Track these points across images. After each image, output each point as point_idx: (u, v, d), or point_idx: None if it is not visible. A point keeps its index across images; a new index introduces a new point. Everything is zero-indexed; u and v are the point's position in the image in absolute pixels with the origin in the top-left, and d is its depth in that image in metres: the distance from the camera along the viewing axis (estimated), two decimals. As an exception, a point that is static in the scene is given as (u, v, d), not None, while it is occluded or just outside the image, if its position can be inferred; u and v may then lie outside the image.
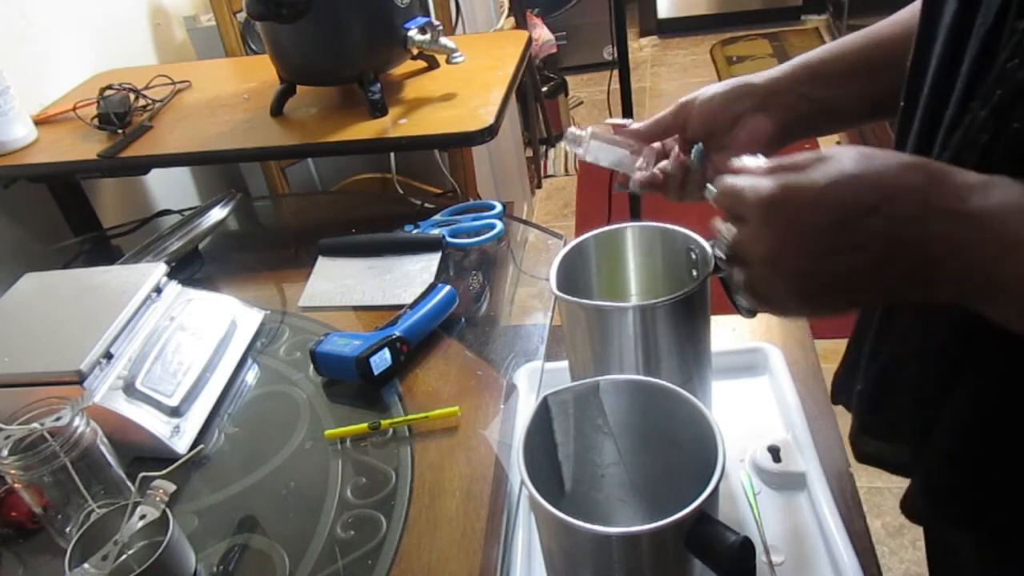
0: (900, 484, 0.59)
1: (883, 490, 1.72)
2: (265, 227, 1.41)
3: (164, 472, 0.75)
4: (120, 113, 1.25)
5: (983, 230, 0.39)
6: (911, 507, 0.57)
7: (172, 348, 0.88)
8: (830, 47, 0.68)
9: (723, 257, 0.49)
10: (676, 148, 0.72)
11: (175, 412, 0.84)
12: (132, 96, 1.31)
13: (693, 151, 0.69)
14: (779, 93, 0.67)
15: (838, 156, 0.43)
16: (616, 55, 1.96)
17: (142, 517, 0.66)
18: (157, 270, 0.94)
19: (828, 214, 0.42)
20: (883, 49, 0.64)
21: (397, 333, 0.89)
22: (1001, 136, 0.42)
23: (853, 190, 0.41)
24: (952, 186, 0.40)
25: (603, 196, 2.32)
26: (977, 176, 0.40)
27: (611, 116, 2.29)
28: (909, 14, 0.63)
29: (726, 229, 0.48)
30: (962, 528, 0.56)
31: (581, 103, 3.75)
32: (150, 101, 1.33)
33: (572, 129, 0.73)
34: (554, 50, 3.34)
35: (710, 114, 0.68)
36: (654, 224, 0.84)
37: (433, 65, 1.31)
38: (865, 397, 0.62)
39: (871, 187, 0.41)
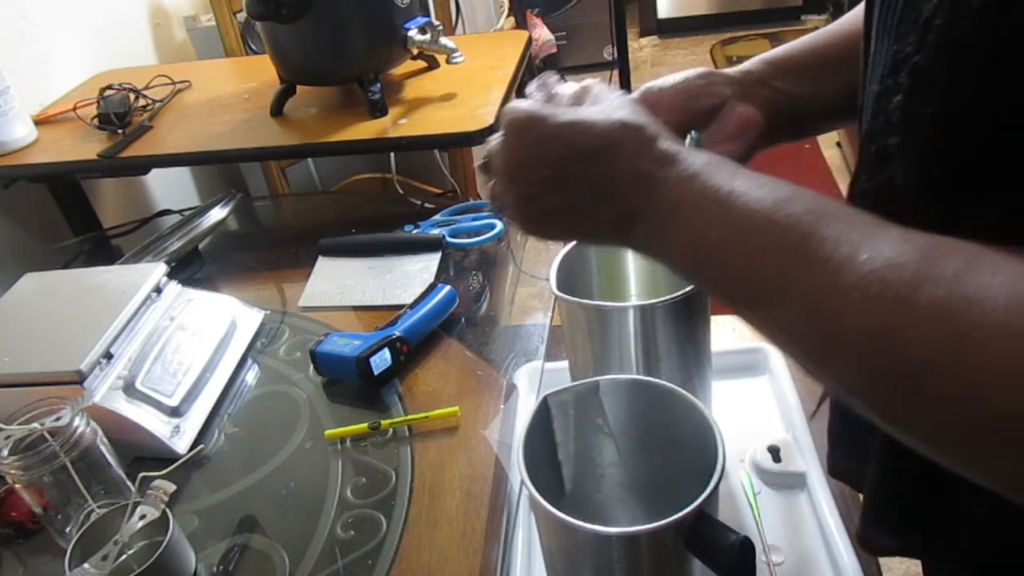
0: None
1: (883, 490, 1.71)
2: (265, 227, 1.41)
3: (164, 472, 0.75)
4: (120, 113, 1.25)
5: (668, 195, 0.43)
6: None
7: (172, 348, 0.88)
8: (799, 43, 0.65)
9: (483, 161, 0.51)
10: None
11: (175, 412, 0.84)
12: (132, 96, 1.31)
13: (689, 140, 0.65)
14: (755, 84, 0.63)
15: (603, 99, 0.47)
16: (616, 55, 1.96)
17: (142, 517, 0.66)
18: (157, 270, 0.94)
19: (554, 151, 0.44)
20: (853, 43, 0.62)
21: (397, 333, 0.89)
22: (916, 121, 0.42)
23: (582, 135, 0.44)
24: (657, 152, 0.43)
25: (603, 196, 2.32)
26: (675, 147, 0.44)
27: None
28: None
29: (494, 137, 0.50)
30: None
31: (581, 103, 3.75)
32: (150, 101, 1.33)
33: None
34: (554, 50, 3.34)
35: (686, 101, 0.62)
36: (654, 224, 0.83)
37: (433, 65, 1.31)
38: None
39: (595, 135, 0.44)
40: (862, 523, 0.56)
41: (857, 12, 0.63)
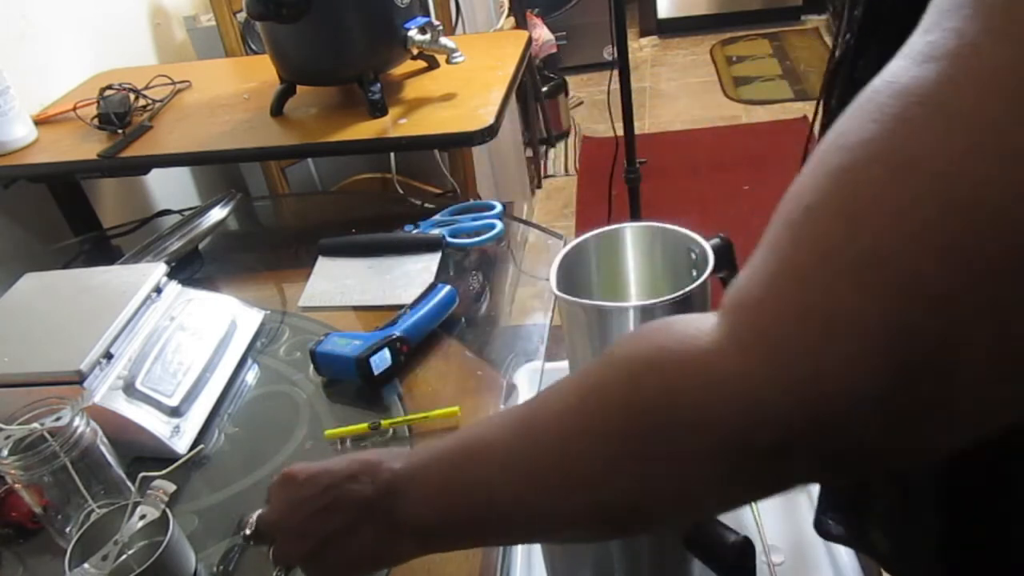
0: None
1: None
2: (265, 227, 1.41)
3: (164, 472, 0.75)
4: (120, 113, 1.25)
5: (409, 501, 0.47)
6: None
7: (172, 348, 0.88)
8: None
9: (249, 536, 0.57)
10: None
11: (175, 412, 0.84)
12: (132, 96, 1.31)
13: None
14: None
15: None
16: (616, 55, 1.95)
17: (142, 517, 0.66)
18: (157, 270, 0.94)
19: (318, 480, 0.51)
20: None
21: (397, 333, 0.89)
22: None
23: (338, 463, 0.51)
24: (387, 465, 0.49)
25: (603, 196, 2.32)
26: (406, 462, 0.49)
27: (611, 116, 2.28)
28: None
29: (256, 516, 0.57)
30: None
31: (581, 103, 3.75)
32: (150, 101, 1.33)
33: None
34: (554, 50, 3.34)
35: None
36: (654, 224, 0.84)
37: (433, 65, 1.31)
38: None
39: (350, 461, 0.51)
40: (816, 509, 0.58)
41: None
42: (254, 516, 0.56)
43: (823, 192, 0.30)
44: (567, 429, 0.39)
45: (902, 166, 0.27)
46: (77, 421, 0.70)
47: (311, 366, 0.90)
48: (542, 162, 3.25)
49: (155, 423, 0.82)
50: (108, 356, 0.83)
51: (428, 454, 0.47)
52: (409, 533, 0.47)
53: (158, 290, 0.93)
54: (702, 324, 0.34)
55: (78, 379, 0.79)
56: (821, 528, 0.57)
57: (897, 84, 0.28)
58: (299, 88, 1.25)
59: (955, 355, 0.27)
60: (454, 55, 1.17)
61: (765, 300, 0.31)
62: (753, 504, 0.73)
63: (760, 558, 0.67)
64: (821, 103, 0.50)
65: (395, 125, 1.16)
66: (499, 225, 1.08)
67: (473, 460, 0.44)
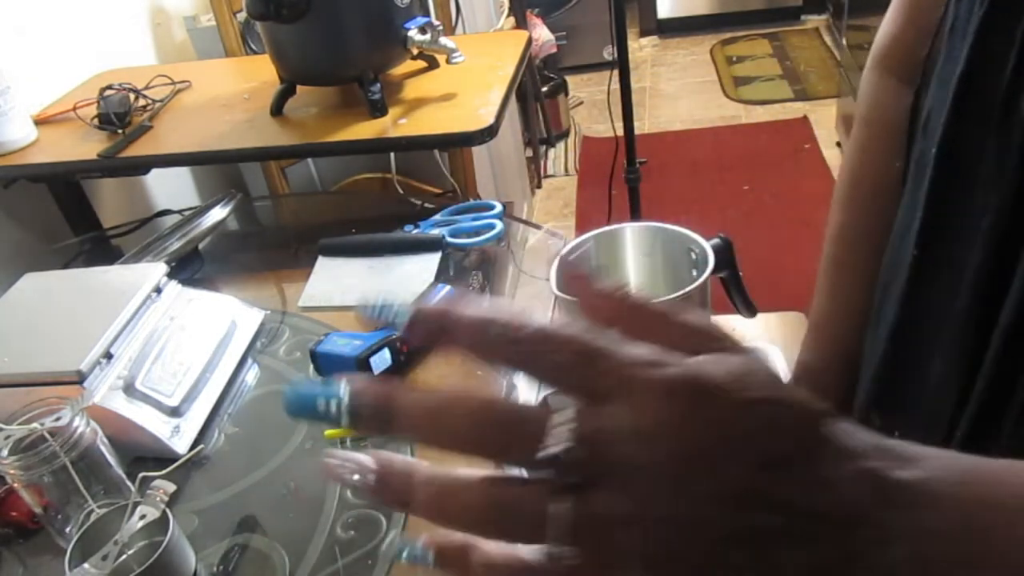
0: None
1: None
2: (265, 227, 1.41)
3: (164, 472, 0.75)
4: (120, 113, 1.25)
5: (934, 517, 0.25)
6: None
7: (172, 348, 0.88)
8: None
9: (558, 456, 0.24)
10: None
11: (175, 412, 0.84)
12: (132, 96, 1.31)
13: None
14: None
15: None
16: (616, 55, 1.96)
17: (142, 517, 0.66)
18: (157, 270, 0.94)
19: (777, 437, 0.24)
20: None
21: (397, 333, 0.89)
22: None
23: (819, 415, 0.25)
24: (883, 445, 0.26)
25: (603, 196, 2.32)
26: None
27: (611, 116, 2.28)
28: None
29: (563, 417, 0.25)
30: None
31: (581, 103, 3.75)
32: (150, 101, 1.33)
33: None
34: (554, 50, 3.34)
35: None
36: (654, 224, 0.84)
37: (433, 65, 1.31)
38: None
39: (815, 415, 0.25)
40: None
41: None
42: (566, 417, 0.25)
43: None
44: None
45: None
46: (77, 421, 0.70)
47: (311, 366, 0.90)
48: (542, 162, 3.26)
49: (155, 423, 0.82)
50: (108, 356, 0.83)
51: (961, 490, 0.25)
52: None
53: (158, 290, 0.93)
54: None
55: (78, 379, 0.79)
56: None
57: None
58: (299, 88, 1.25)
59: None
60: (454, 55, 1.17)
61: None
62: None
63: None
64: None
65: (395, 125, 1.16)
66: (499, 225, 1.08)
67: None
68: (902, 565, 0.24)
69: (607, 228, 0.84)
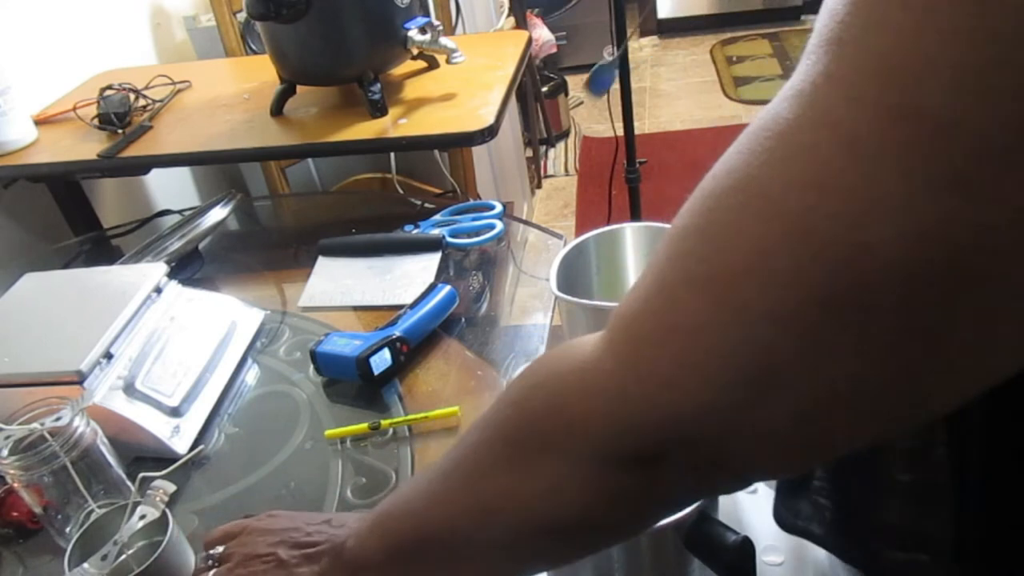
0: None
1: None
2: (265, 227, 1.41)
3: (164, 472, 0.75)
4: (120, 113, 1.25)
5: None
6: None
7: (172, 348, 0.88)
8: None
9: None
10: None
11: (175, 412, 0.84)
12: (132, 96, 1.31)
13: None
14: None
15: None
16: (616, 55, 1.96)
17: (142, 517, 0.66)
18: (157, 270, 0.94)
19: (295, 518, 0.60)
20: None
21: (397, 333, 0.89)
22: None
23: (305, 515, 0.61)
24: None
25: (603, 196, 2.32)
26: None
27: (611, 116, 2.28)
28: None
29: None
30: None
31: (581, 103, 3.75)
32: (150, 101, 1.33)
33: None
34: (554, 50, 3.34)
35: None
36: (654, 224, 0.84)
37: (433, 65, 1.31)
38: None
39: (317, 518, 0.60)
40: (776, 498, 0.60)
41: None
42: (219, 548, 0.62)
43: (693, 214, 0.32)
44: (472, 446, 0.43)
45: (753, 195, 0.29)
46: (77, 421, 0.70)
47: (311, 366, 0.90)
48: (542, 162, 3.26)
49: (155, 423, 0.82)
50: (108, 356, 0.83)
51: (388, 498, 0.52)
52: (355, 570, 0.51)
53: (158, 290, 0.93)
54: (588, 339, 0.36)
55: (78, 379, 0.79)
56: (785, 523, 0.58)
57: (763, 119, 0.30)
58: (299, 88, 1.25)
59: (800, 372, 0.29)
60: (454, 55, 1.17)
61: (639, 315, 0.33)
62: (753, 505, 0.73)
63: (760, 558, 0.67)
64: None
65: (395, 125, 1.16)
66: (499, 225, 1.08)
67: (411, 491, 0.48)
68: None
69: (607, 228, 0.84)
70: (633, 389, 0.33)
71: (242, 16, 1.72)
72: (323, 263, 1.10)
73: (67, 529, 0.72)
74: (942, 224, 0.25)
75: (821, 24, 0.29)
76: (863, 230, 0.26)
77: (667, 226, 0.81)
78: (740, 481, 0.36)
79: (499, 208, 1.13)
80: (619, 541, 0.50)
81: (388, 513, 0.50)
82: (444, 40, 1.17)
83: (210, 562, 0.60)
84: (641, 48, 4.23)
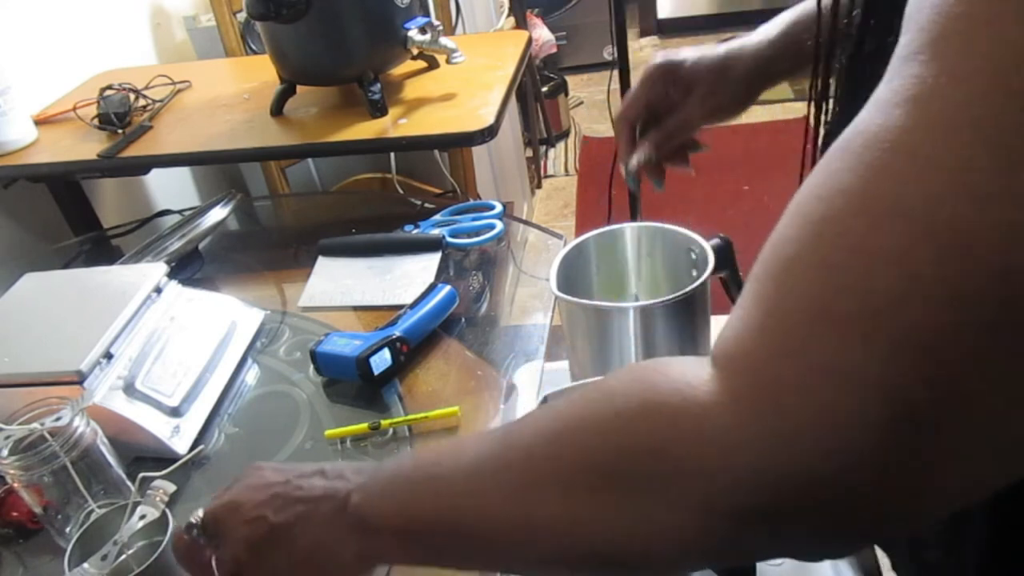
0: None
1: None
2: (265, 227, 1.41)
3: (164, 472, 0.75)
4: (120, 113, 1.25)
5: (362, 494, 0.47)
6: None
7: (172, 348, 0.88)
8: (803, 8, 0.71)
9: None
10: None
11: (175, 412, 0.84)
12: (132, 96, 1.31)
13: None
14: (767, 63, 0.73)
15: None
16: (616, 55, 1.96)
17: (142, 517, 0.66)
18: (157, 270, 0.94)
19: (283, 470, 0.52)
20: None
21: (397, 333, 0.89)
22: None
23: (307, 465, 0.53)
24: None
25: (603, 196, 2.32)
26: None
27: (611, 116, 2.28)
28: None
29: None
30: None
31: (581, 103, 3.75)
32: (150, 101, 1.33)
33: None
34: (554, 50, 3.34)
35: (715, 85, 0.71)
36: (654, 224, 0.84)
37: (433, 65, 1.31)
38: None
39: (319, 464, 0.52)
40: None
41: None
42: (201, 511, 0.54)
43: (805, 244, 0.29)
44: (539, 458, 0.39)
45: (882, 214, 0.27)
46: (77, 421, 0.70)
47: (311, 366, 0.90)
48: (542, 162, 3.26)
49: (155, 423, 0.82)
50: (108, 356, 0.83)
51: (400, 460, 0.48)
52: (362, 529, 0.46)
53: (158, 290, 0.93)
54: (698, 372, 0.33)
55: (78, 379, 0.79)
56: None
57: (867, 132, 0.28)
58: (299, 88, 1.25)
59: (957, 408, 0.26)
60: (454, 55, 1.17)
61: (758, 353, 0.30)
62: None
63: (760, 558, 0.66)
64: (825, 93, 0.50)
65: (395, 125, 1.16)
66: (499, 225, 1.08)
67: (442, 465, 0.44)
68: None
69: (607, 228, 0.84)
70: (764, 441, 0.29)
71: (242, 16, 1.72)
72: (323, 263, 1.10)
73: (67, 529, 0.72)
74: None
75: (918, 24, 0.26)
76: None
77: (667, 226, 0.81)
78: (855, 544, 0.34)
79: (499, 208, 1.13)
80: None
81: (410, 480, 0.45)
82: (444, 40, 1.17)
83: (194, 532, 0.54)
84: (641, 48, 4.23)
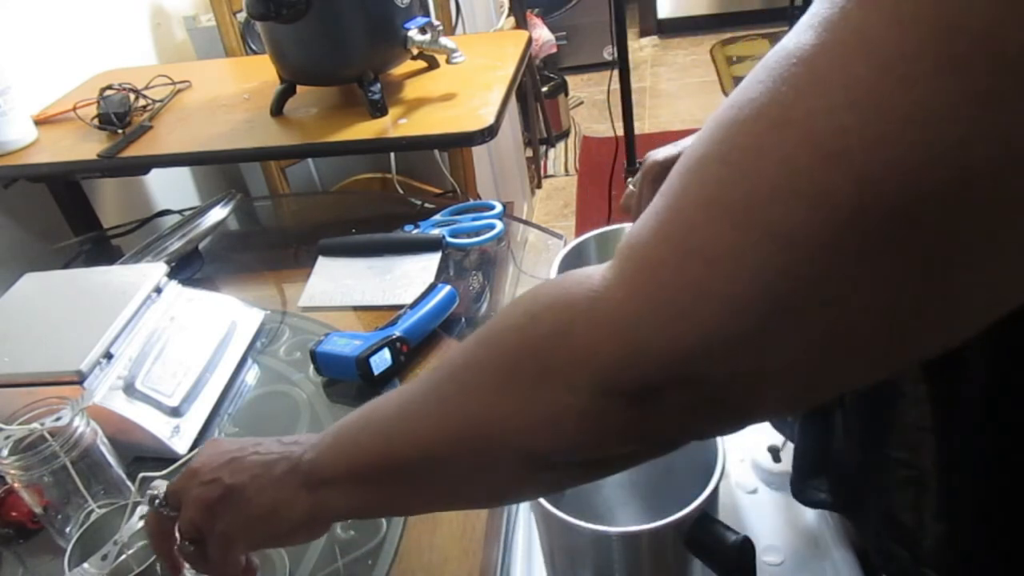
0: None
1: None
2: (265, 227, 1.41)
3: (164, 472, 0.75)
4: (120, 113, 1.25)
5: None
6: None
7: (172, 348, 0.88)
8: None
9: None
10: None
11: (175, 412, 0.84)
12: (132, 96, 1.31)
13: None
14: None
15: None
16: (616, 55, 1.96)
17: (142, 517, 0.66)
18: (157, 270, 0.94)
19: (242, 442, 0.54)
20: None
21: (397, 333, 0.89)
22: None
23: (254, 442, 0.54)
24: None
25: (603, 196, 2.32)
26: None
27: (611, 116, 2.28)
28: None
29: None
30: None
31: (581, 103, 3.75)
32: (150, 101, 1.33)
33: None
34: (554, 50, 3.34)
35: None
36: (654, 224, 0.83)
37: (433, 65, 1.31)
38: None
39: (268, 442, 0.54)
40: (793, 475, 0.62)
41: None
42: (164, 483, 0.56)
43: (713, 143, 0.31)
44: (459, 368, 0.42)
45: (779, 120, 0.29)
46: (77, 421, 0.70)
47: (311, 366, 0.90)
48: (542, 162, 3.26)
49: (155, 423, 0.82)
50: (108, 356, 0.83)
51: (347, 415, 0.49)
52: (312, 484, 0.48)
53: (158, 290, 0.93)
54: (597, 268, 0.36)
55: (78, 379, 0.79)
56: (804, 496, 0.60)
57: (783, 50, 0.30)
58: (299, 88, 1.25)
59: (823, 298, 0.29)
60: (454, 55, 1.17)
61: (651, 241, 0.32)
62: (753, 505, 0.73)
63: (760, 558, 0.67)
64: None
65: (395, 125, 1.16)
66: (499, 225, 1.08)
67: (378, 409, 0.47)
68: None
69: (607, 228, 0.84)
70: (646, 318, 0.32)
71: (242, 16, 1.72)
72: (323, 263, 1.10)
73: (67, 529, 0.72)
74: (979, 139, 0.25)
75: None
76: (898, 148, 0.26)
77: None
78: (736, 421, 0.35)
79: (499, 208, 1.13)
80: (592, 479, 0.49)
81: (352, 427, 0.48)
82: (444, 40, 1.17)
83: (156, 504, 0.55)
84: (641, 48, 4.23)
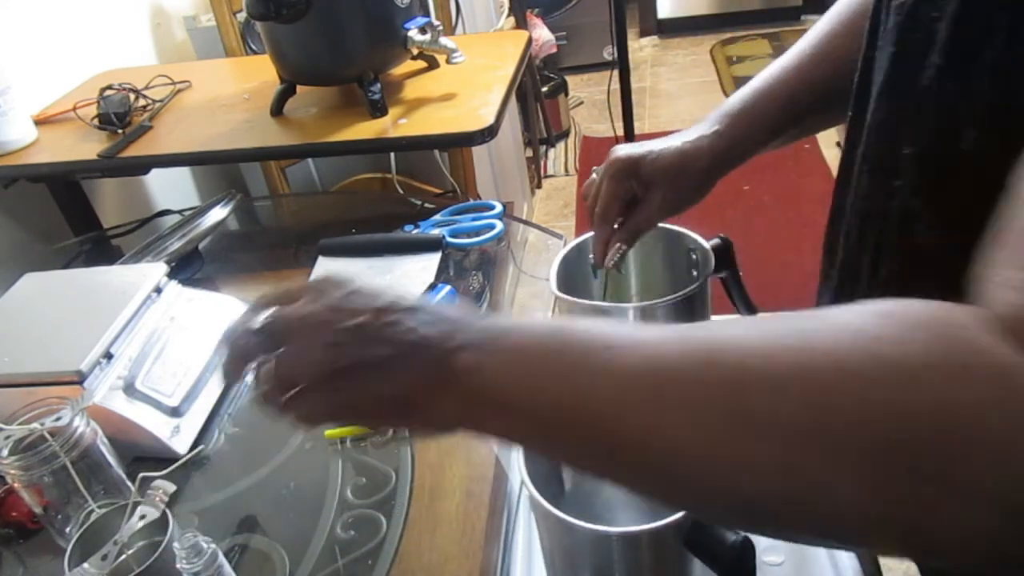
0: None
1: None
2: (265, 227, 1.41)
3: (164, 472, 0.75)
4: (120, 113, 1.25)
5: (497, 350, 0.38)
6: None
7: (172, 348, 0.88)
8: (774, 75, 0.78)
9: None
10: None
11: (175, 412, 0.84)
12: (132, 96, 1.31)
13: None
14: (728, 150, 0.74)
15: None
16: (616, 55, 1.96)
17: (142, 517, 0.66)
18: (157, 270, 0.94)
19: (379, 294, 0.43)
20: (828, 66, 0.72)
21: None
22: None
23: (401, 296, 0.43)
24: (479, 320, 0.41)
25: (603, 196, 2.31)
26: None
27: (611, 116, 2.29)
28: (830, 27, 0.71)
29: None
30: None
31: (581, 103, 3.75)
32: (150, 101, 1.33)
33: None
34: (554, 50, 3.34)
35: (676, 179, 0.72)
36: (654, 224, 0.83)
37: (433, 65, 1.31)
38: None
39: (414, 299, 0.43)
40: None
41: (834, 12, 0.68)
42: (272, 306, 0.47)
43: None
44: (766, 387, 0.31)
45: None
46: (77, 421, 0.70)
47: (311, 366, 0.90)
48: (542, 162, 3.26)
49: (155, 423, 0.82)
50: (108, 356, 0.83)
51: (531, 327, 0.39)
52: (468, 397, 0.38)
53: (158, 290, 0.93)
54: (981, 320, 0.29)
55: (78, 379, 0.79)
56: None
57: None
58: (299, 88, 1.25)
59: None
60: (454, 55, 1.17)
61: None
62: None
63: (760, 558, 0.67)
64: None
65: (395, 125, 1.16)
66: (499, 225, 1.08)
67: (611, 351, 0.35)
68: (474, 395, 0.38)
69: (607, 228, 0.84)
70: None
71: (242, 16, 1.72)
72: (323, 263, 1.10)
73: (67, 529, 0.72)
74: None
75: None
76: None
77: (667, 226, 0.81)
78: None
79: (499, 208, 1.13)
80: None
81: (547, 353, 0.37)
82: (444, 40, 1.17)
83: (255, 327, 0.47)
84: (641, 48, 4.23)
